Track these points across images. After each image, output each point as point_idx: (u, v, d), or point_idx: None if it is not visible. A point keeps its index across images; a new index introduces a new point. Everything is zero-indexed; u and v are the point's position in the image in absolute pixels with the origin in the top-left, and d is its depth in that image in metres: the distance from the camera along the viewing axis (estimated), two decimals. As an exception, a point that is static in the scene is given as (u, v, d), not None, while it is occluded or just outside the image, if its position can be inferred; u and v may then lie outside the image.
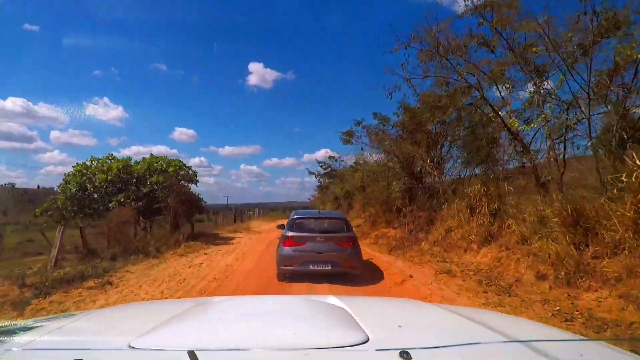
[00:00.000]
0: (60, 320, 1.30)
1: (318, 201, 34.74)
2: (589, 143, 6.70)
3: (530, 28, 7.09)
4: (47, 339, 1.08)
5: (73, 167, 13.70)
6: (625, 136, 5.91)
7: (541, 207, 6.26)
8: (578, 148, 7.55)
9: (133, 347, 0.93)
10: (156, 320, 1.19)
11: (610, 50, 6.37)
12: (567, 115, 7.36)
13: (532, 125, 7.69)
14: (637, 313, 3.86)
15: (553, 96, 7.55)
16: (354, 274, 6.38)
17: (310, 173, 32.78)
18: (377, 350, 0.90)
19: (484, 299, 5.04)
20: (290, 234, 6.51)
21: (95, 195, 13.32)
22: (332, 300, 1.53)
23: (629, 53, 5.72)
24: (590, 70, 6.48)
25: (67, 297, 5.50)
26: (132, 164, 14.10)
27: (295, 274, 6.36)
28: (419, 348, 0.88)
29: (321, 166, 30.93)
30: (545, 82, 7.74)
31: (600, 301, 4.37)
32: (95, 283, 6.26)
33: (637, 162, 4.87)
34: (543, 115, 7.25)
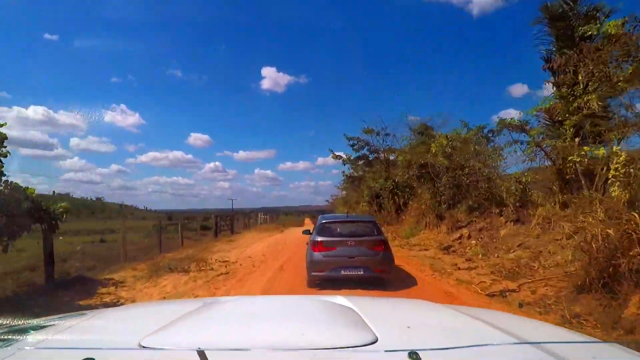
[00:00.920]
0: (71, 320, 1.33)
1: (340, 203, 31.21)
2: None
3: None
4: (58, 337, 1.10)
5: None
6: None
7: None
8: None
9: (143, 346, 0.94)
10: (166, 319, 1.20)
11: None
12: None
13: None
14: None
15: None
16: (385, 278, 6.27)
17: (336, 157, 22.50)
18: (386, 351, 0.89)
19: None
20: (319, 238, 6.36)
21: None
22: (341, 300, 1.52)
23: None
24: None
25: None
26: None
27: (326, 280, 6.20)
28: (428, 349, 0.87)
29: (352, 145, 20.36)
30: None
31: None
32: None
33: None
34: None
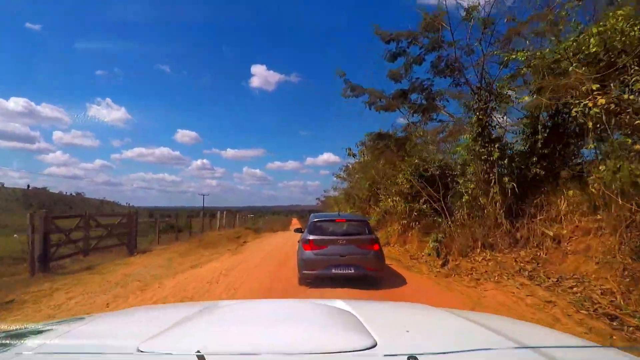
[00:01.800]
0: (69, 324, 1.31)
1: (340, 201, 25.29)
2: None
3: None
4: (57, 342, 1.09)
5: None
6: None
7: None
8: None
9: (142, 351, 0.94)
10: (164, 323, 1.20)
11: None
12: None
13: None
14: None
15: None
16: (376, 277, 6.33)
17: (352, 154, 17.16)
18: (385, 355, 0.90)
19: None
20: (311, 237, 6.41)
21: None
22: (340, 304, 1.52)
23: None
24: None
25: None
26: None
27: (317, 278, 6.24)
28: (427, 353, 0.88)
29: (394, 54, 10.64)
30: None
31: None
32: None
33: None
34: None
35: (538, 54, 6.68)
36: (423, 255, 9.09)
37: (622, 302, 4.47)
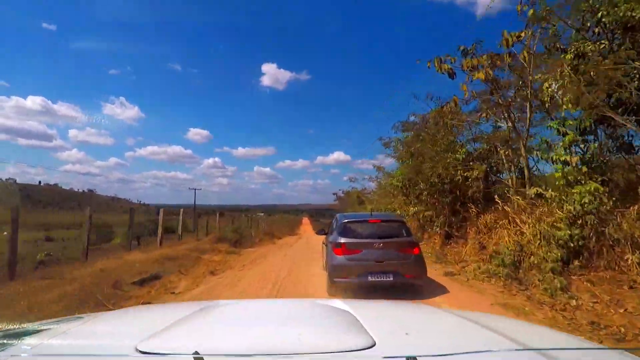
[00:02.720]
0: (67, 324, 1.32)
1: (376, 198, 19.80)
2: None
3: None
4: (54, 342, 1.08)
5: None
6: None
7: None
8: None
9: (140, 351, 0.93)
10: (162, 323, 1.20)
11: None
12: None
13: None
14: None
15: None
16: (418, 285, 5.77)
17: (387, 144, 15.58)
18: (384, 357, 0.88)
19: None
20: (342, 240, 5.82)
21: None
22: (338, 304, 1.51)
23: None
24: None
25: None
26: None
27: (350, 286, 5.58)
28: (427, 355, 0.86)
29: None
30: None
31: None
32: None
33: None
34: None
35: None
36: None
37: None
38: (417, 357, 0.81)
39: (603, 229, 5.96)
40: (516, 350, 0.97)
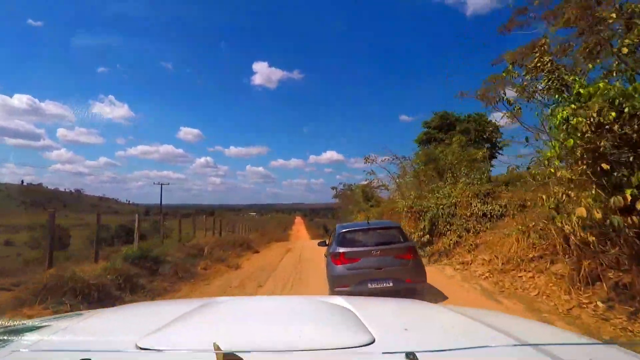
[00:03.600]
0: (67, 320, 1.30)
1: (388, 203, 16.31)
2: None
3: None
4: (54, 338, 1.08)
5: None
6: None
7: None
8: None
9: (140, 347, 0.93)
10: (163, 320, 1.19)
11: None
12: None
13: None
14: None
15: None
16: (418, 289, 5.80)
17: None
18: (383, 352, 0.89)
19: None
20: (341, 250, 5.90)
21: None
22: (338, 300, 1.52)
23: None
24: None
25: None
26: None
27: (351, 295, 5.60)
28: (426, 351, 0.87)
29: None
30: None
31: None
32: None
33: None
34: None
35: None
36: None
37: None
38: (416, 353, 0.82)
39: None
40: (514, 345, 0.98)
